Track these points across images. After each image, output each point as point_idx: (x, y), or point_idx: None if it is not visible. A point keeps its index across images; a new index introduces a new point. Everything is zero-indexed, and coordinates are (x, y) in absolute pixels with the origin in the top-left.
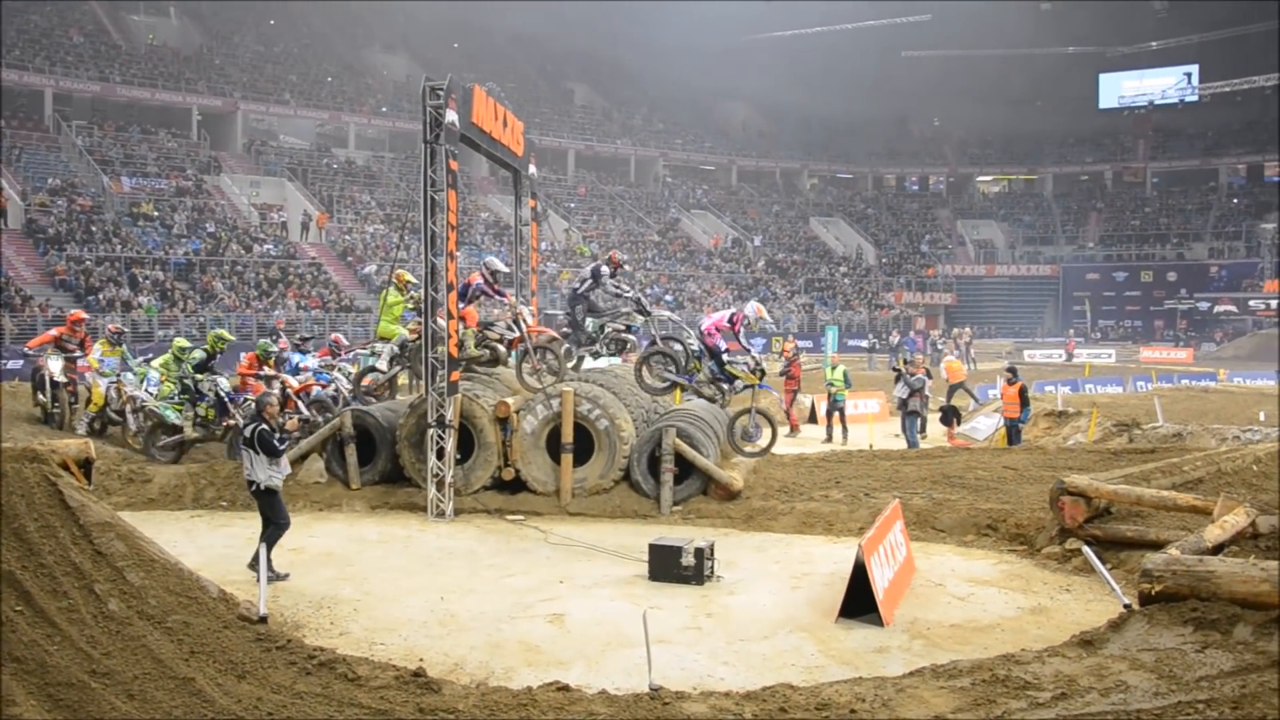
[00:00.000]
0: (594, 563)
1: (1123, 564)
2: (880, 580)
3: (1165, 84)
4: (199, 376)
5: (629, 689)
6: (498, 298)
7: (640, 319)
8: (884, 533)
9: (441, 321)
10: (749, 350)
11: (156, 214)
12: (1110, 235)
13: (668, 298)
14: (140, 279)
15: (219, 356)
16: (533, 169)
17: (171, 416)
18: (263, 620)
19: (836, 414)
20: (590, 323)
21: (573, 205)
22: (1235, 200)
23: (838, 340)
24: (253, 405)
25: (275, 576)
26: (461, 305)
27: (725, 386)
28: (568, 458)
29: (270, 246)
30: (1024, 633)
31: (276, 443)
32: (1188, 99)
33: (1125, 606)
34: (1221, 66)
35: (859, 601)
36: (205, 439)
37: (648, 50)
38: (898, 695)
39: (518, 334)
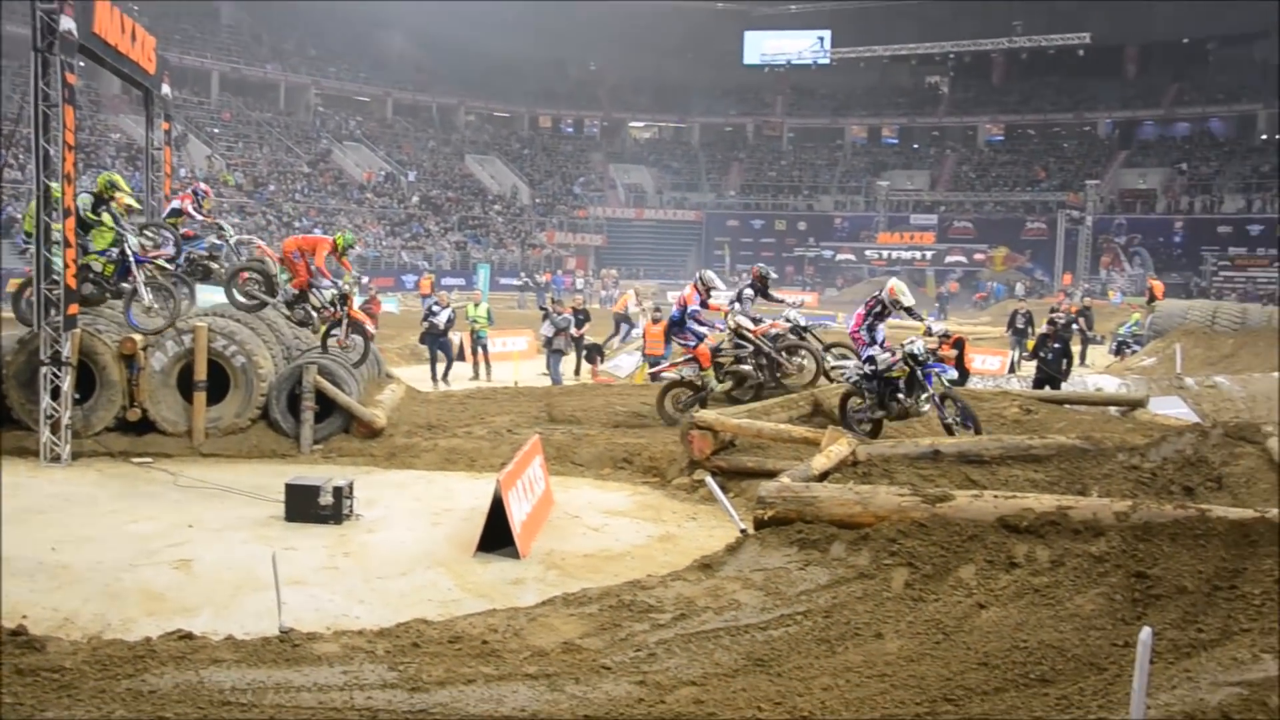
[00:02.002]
0: (227, 505)
1: (744, 492)
2: (518, 514)
3: (802, 45)
4: (92, 217)
5: (259, 633)
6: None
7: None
8: (523, 468)
9: (57, 250)
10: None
11: None
12: (750, 185)
13: (317, 230)
14: None
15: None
16: (167, 89)
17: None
18: None
19: (480, 350)
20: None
21: (216, 131)
22: (857, 158)
23: (490, 279)
24: None
25: None
26: (692, 344)
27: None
28: (201, 396)
29: None
30: (652, 559)
31: None
32: (820, 61)
33: (741, 531)
34: (851, 34)
35: (498, 535)
36: (92, 299)
37: None
38: (529, 624)
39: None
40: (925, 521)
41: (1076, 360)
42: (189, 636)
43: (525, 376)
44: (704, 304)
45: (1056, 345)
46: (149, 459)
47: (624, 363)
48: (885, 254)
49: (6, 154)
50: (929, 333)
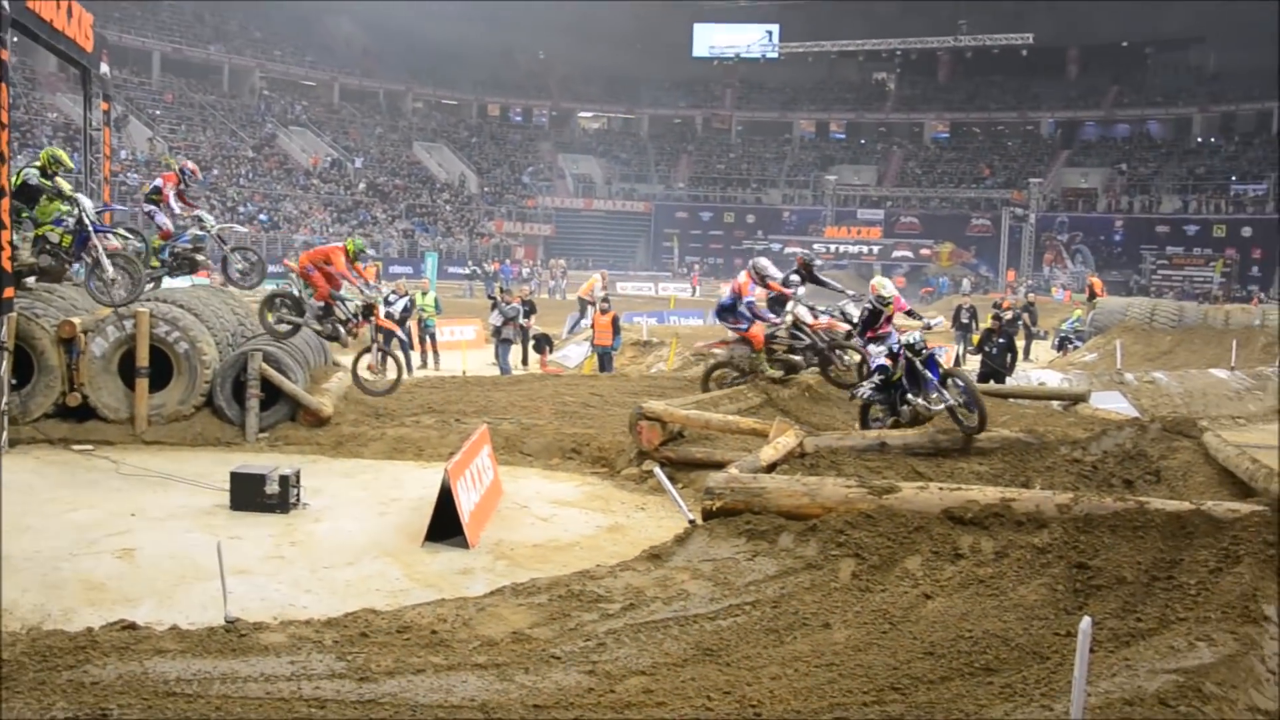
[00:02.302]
0: (171, 493)
1: (693, 483)
2: (466, 503)
3: (750, 39)
4: (46, 183)
5: (204, 623)
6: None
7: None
8: (471, 457)
9: None
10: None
11: None
12: (699, 177)
13: (262, 217)
14: None
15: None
16: (105, 68)
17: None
18: None
19: (429, 339)
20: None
21: (158, 113)
22: (805, 152)
23: (437, 267)
24: None
25: None
26: (744, 327)
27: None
28: (143, 383)
29: None
30: (601, 550)
31: None
32: (769, 55)
33: (690, 522)
34: (799, 29)
35: (446, 525)
36: (51, 271)
37: None
38: (478, 614)
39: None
40: (872, 513)
41: (1020, 355)
42: (132, 627)
43: (474, 366)
44: (765, 285)
45: (1001, 340)
46: (90, 446)
47: (573, 353)
48: (833, 248)
49: None
50: (928, 329)
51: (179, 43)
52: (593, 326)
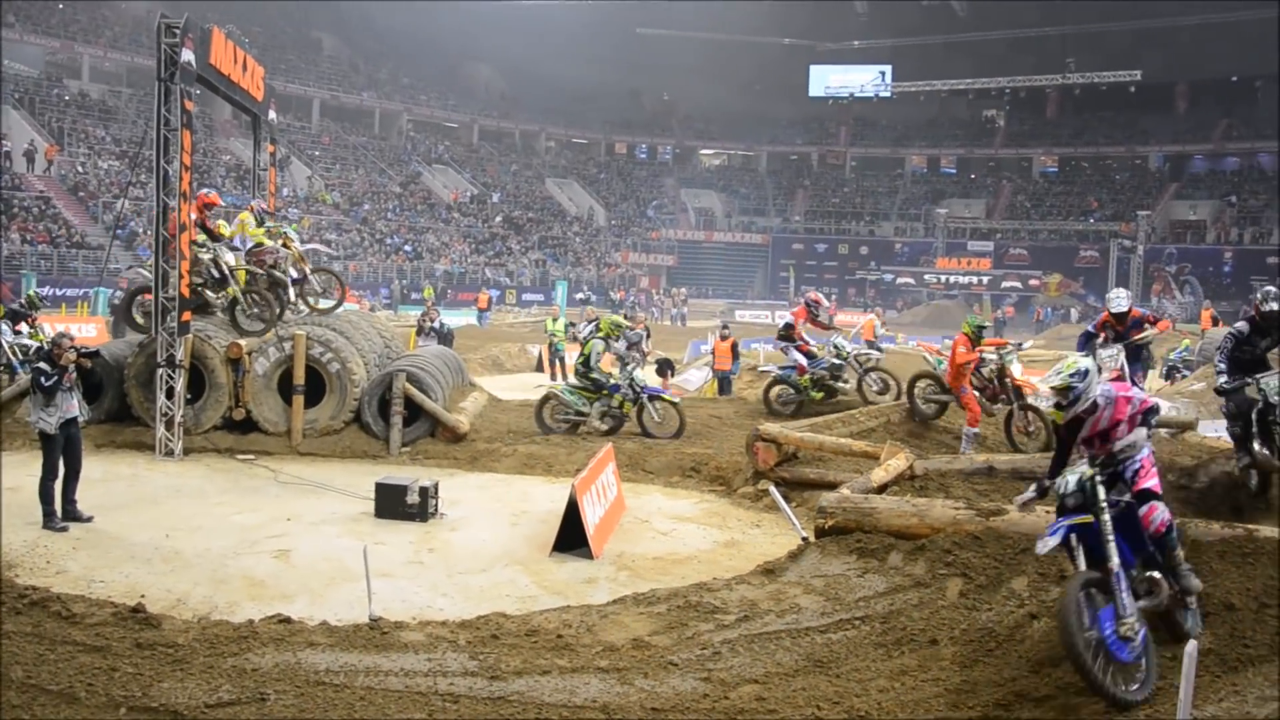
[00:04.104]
0: (322, 501)
1: (805, 502)
2: (591, 517)
3: (864, 79)
4: (592, 370)
5: (350, 620)
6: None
7: None
8: (596, 474)
9: (173, 261)
10: None
11: None
12: (814, 210)
13: (407, 248)
14: None
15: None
16: (273, 114)
17: (578, 404)
18: None
19: (558, 362)
20: None
21: (316, 153)
22: (917, 187)
23: (567, 295)
24: None
25: (62, 522)
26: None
27: None
28: (299, 399)
29: None
30: (717, 563)
31: (43, 380)
32: (882, 94)
33: (803, 539)
34: (911, 69)
35: (572, 537)
36: (610, 432)
37: (397, 5)
38: (601, 621)
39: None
40: (979, 534)
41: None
42: (287, 620)
43: None
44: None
45: None
46: (251, 456)
47: (693, 377)
48: (944, 278)
49: (132, 174)
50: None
51: (336, 90)
52: (713, 352)
